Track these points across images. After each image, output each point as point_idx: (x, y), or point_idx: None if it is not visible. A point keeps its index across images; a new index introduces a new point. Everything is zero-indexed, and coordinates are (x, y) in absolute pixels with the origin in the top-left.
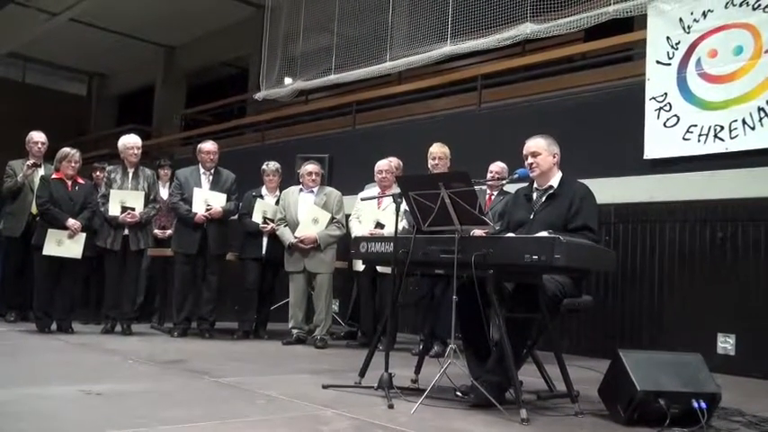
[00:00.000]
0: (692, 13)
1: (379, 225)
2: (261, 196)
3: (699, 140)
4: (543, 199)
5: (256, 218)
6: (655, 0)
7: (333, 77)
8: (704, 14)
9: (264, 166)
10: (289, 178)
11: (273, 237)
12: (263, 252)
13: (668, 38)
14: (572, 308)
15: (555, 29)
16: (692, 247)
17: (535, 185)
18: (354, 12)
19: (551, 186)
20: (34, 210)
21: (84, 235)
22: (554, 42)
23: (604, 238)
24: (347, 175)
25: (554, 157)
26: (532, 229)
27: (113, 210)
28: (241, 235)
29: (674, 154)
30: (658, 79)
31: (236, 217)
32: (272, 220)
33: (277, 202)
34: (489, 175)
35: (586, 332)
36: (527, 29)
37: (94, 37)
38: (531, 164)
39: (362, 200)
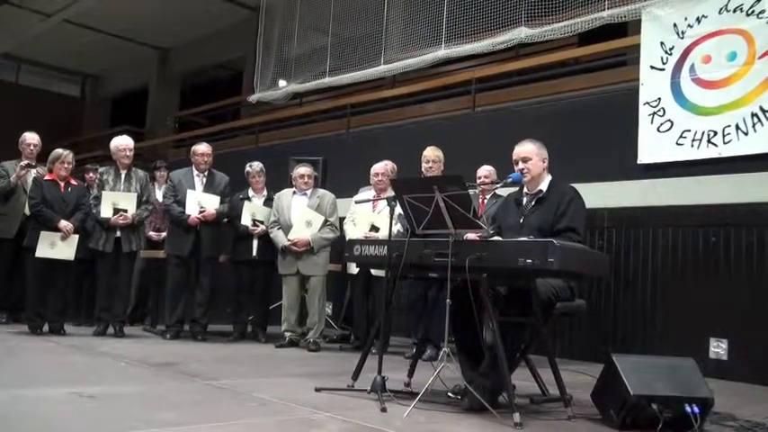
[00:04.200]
0: (686, 19)
1: (374, 228)
2: (248, 198)
3: (692, 146)
4: (533, 203)
5: (245, 221)
6: (649, 5)
7: (327, 80)
8: (698, 20)
9: (248, 168)
10: (283, 181)
11: (264, 238)
12: (254, 254)
13: (662, 43)
14: (565, 312)
15: (549, 33)
16: (685, 251)
17: (525, 190)
18: (349, 15)
19: (540, 190)
20: (27, 211)
21: (76, 237)
22: (548, 47)
23: (598, 242)
24: (341, 177)
25: (543, 161)
26: (522, 233)
27: (105, 211)
28: (232, 238)
29: (668, 159)
30: (652, 84)
31: (227, 220)
32: (262, 222)
33: (265, 203)
34: (478, 180)
35: (579, 336)
36: (521, 33)
37: (88, 39)
38: (522, 169)
39: (357, 202)
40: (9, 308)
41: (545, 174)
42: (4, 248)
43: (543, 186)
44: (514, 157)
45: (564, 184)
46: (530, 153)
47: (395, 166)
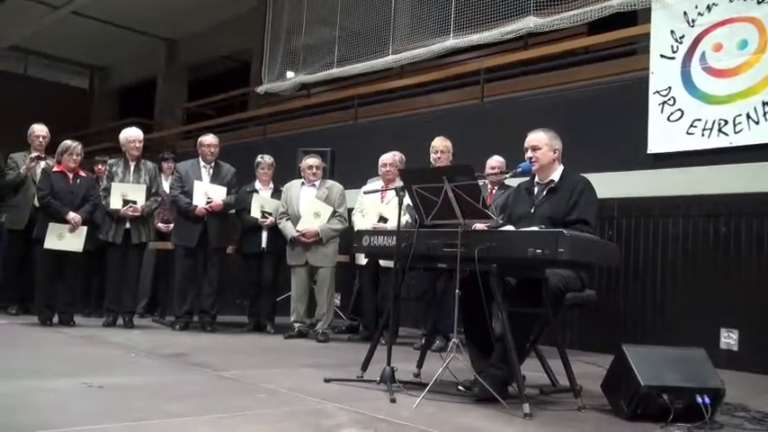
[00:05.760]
0: (696, 7)
1: (383, 219)
2: (255, 191)
3: (703, 135)
4: (544, 193)
5: (254, 212)
6: None
7: (335, 71)
8: (709, 8)
9: (260, 159)
10: (291, 172)
11: (273, 230)
12: (263, 246)
13: (672, 31)
14: (575, 302)
15: (558, 22)
16: (696, 241)
17: (536, 179)
18: (357, 5)
19: (552, 180)
20: (37, 203)
21: (84, 228)
22: (557, 36)
23: (608, 232)
24: (349, 168)
25: (554, 152)
26: (533, 222)
27: (115, 203)
28: (240, 230)
29: (678, 148)
30: (662, 73)
31: (233, 211)
32: (271, 214)
33: (272, 195)
34: (490, 171)
35: (589, 327)
36: (530, 22)
37: (96, 30)
38: (531, 158)
39: (365, 193)
40: (19, 299)
41: (557, 164)
42: (15, 240)
43: (555, 176)
44: (525, 145)
45: (576, 174)
46: (540, 142)
47: (403, 157)
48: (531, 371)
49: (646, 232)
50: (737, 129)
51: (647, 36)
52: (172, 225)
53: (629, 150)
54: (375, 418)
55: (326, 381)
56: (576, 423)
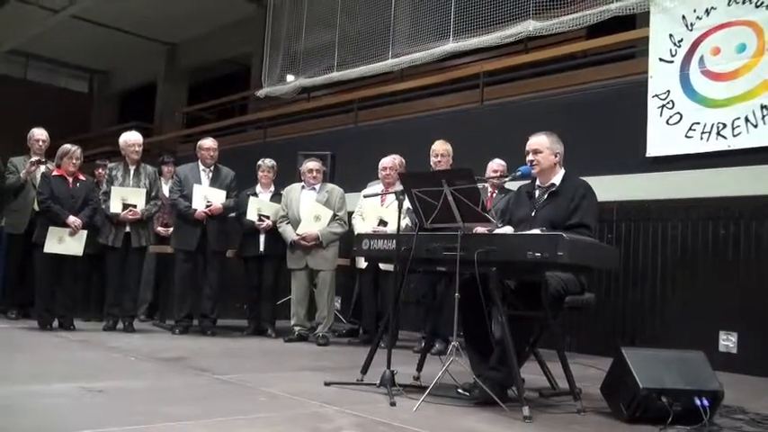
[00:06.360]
0: (694, 11)
1: (383, 222)
2: (255, 194)
3: (701, 138)
4: (545, 196)
5: (251, 216)
6: None
7: (335, 75)
8: (707, 12)
9: (260, 162)
10: (291, 176)
11: (271, 233)
12: (261, 249)
13: (671, 35)
14: (574, 305)
15: (557, 26)
16: (695, 244)
17: (537, 183)
18: (357, 9)
19: (553, 184)
20: (37, 207)
21: (85, 232)
22: (556, 40)
23: (607, 235)
24: (349, 172)
25: (555, 155)
26: (534, 226)
27: (114, 207)
28: (240, 234)
29: (677, 152)
30: (661, 77)
31: (234, 214)
32: (268, 217)
33: (272, 198)
34: (491, 174)
35: (589, 330)
36: (530, 26)
37: (96, 34)
38: (532, 161)
39: (365, 197)
40: (19, 303)
41: (558, 168)
42: (15, 244)
43: (556, 180)
44: (527, 148)
45: (577, 178)
46: (541, 145)
47: (403, 161)
48: (531, 374)
49: (645, 235)
50: (736, 132)
51: (645, 40)
52: (171, 229)
53: (627, 153)
54: (375, 422)
55: (326, 384)
56: (575, 426)
